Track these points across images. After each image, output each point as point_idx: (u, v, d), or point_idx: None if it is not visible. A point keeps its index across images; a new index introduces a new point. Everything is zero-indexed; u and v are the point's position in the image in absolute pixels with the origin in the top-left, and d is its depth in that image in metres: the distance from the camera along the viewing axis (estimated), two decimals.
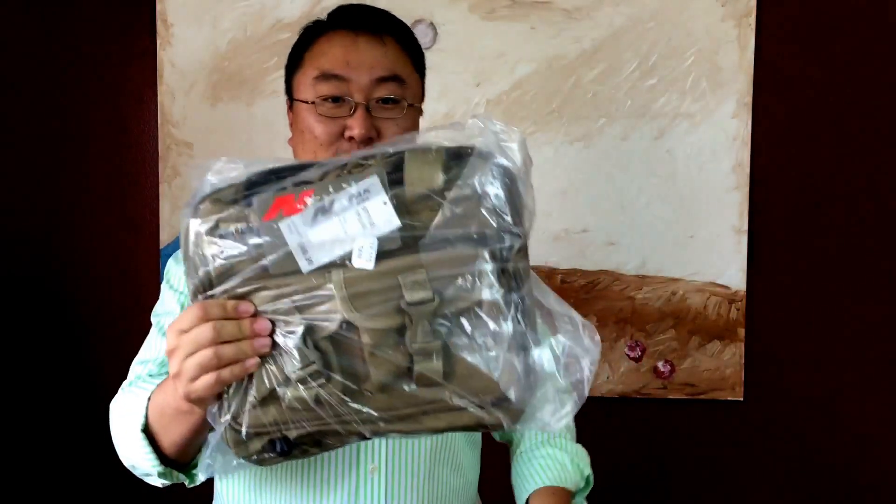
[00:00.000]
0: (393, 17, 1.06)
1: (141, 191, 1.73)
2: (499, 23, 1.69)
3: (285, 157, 1.71)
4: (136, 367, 1.02)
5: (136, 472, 0.95)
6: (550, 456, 1.08)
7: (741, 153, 1.69)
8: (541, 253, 1.71)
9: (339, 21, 1.03)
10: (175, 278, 1.06)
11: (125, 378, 1.02)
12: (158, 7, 1.69)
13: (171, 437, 0.86)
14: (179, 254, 1.05)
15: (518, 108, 1.70)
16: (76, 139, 1.73)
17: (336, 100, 0.99)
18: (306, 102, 1.00)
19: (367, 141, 0.97)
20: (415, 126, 1.04)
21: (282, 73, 1.08)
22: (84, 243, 1.74)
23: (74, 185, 1.73)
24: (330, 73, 0.99)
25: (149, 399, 0.88)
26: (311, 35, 1.04)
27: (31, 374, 1.74)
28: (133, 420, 0.89)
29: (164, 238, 1.72)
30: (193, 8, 1.69)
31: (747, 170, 1.69)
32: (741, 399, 1.72)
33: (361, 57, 0.99)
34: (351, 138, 0.98)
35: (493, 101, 1.70)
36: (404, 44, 1.04)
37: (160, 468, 0.89)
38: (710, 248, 1.70)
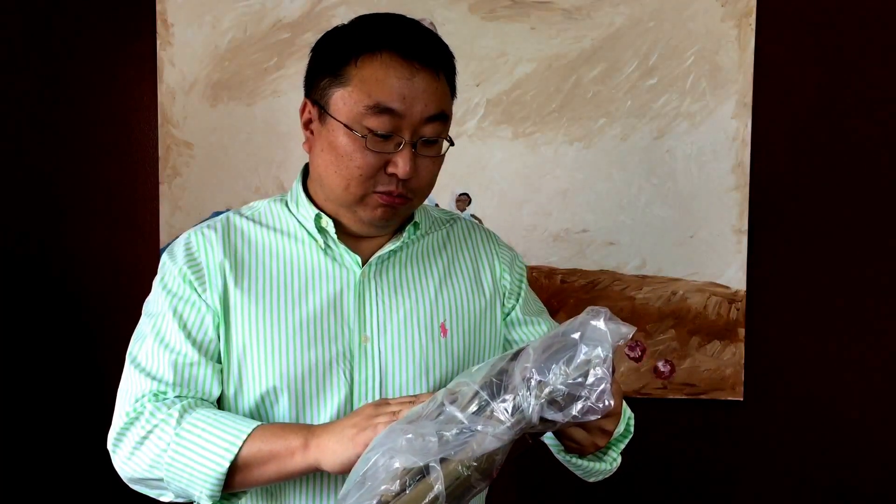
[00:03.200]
0: (445, 46, 1.02)
1: (141, 191, 1.73)
2: (499, 23, 1.69)
3: (284, 157, 1.71)
4: (144, 380, 0.97)
5: (151, 490, 0.96)
6: None
7: (741, 153, 1.69)
8: (541, 253, 1.71)
9: (394, 43, 0.95)
10: (169, 277, 1.02)
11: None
12: (158, 7, 1.69)
13: (265, 477, 0.91)
14: (174, 248, 1.04)
15: (518, 108, 1.70)
16: (76, 139, 1.72)
17: (385, 135, 0.96)
18: (350, 129, 0.95)
19: (407, 179, 0.97)
20: (442, 158, 1.02)
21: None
22: (84, 243, 1.74)
23: (75, 185, 1.73)
24: (385, 106, 0.94)
25: (244, 439, 0.90)
26: (359, 47, 0.96)
27: (30, 373, 1.74)
28: (200, 451, 0.90)
29: (164, 238, 1.72)
30: (193, 8, 1.69)
31: (747, 170, 1.69)
32: (741, 399, 1.72)
33: (416, 92, 0.95)
34: (392, 174, 0.96)
35: (493, 101, 1.70)
36: (450, 77, 1.01)
37: (217, 496, 0.91)
38: (710, 248, 1.70)
